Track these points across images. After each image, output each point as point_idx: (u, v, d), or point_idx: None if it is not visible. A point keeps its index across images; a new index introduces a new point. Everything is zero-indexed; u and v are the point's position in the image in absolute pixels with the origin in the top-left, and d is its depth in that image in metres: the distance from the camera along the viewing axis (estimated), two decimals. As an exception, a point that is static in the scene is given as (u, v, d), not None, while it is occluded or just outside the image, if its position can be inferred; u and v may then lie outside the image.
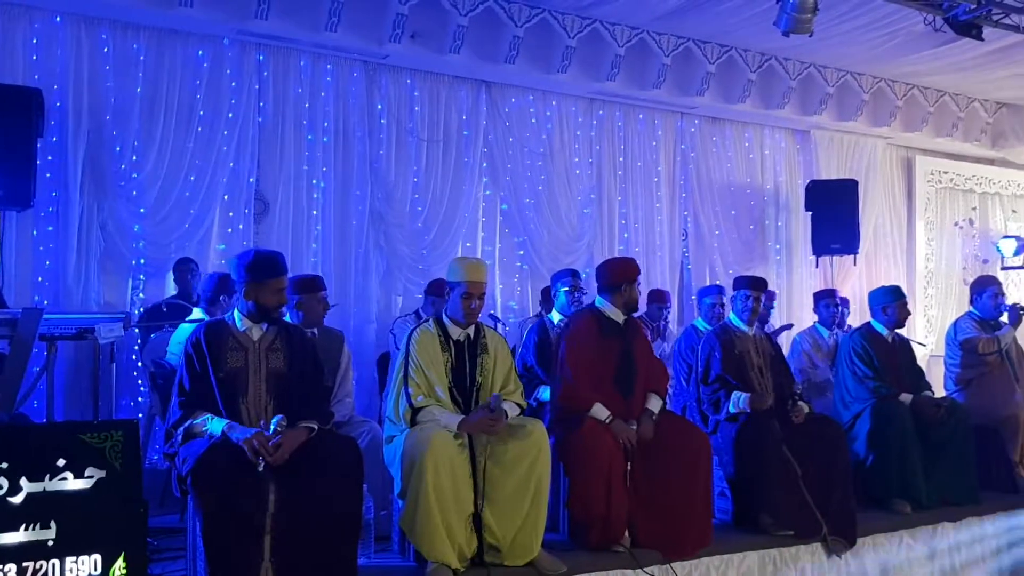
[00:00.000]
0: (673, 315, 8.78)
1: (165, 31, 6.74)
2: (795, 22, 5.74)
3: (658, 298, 7.55)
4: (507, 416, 4.16)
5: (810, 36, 5.95)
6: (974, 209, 11.01)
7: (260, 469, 3.51)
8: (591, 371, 4.70)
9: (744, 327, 5.38)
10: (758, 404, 5.04)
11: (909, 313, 6.18)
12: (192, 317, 5.42)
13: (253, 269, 3.87)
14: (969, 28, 6.41)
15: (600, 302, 4.93)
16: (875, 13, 7.30)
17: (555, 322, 5.59)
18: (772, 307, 7.90)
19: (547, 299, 7.22)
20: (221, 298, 5.42)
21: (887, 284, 6.38)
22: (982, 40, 6.62)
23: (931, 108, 9.76)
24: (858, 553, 5.08)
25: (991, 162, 11.08)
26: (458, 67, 7.70)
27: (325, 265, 7.26)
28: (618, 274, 4.90)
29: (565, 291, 5.67)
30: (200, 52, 6.89)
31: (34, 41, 6.34)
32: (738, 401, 5.07)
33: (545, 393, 5.19)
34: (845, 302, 7.66)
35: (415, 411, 4.12)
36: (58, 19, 6.41)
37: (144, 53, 6.69)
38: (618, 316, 4.86)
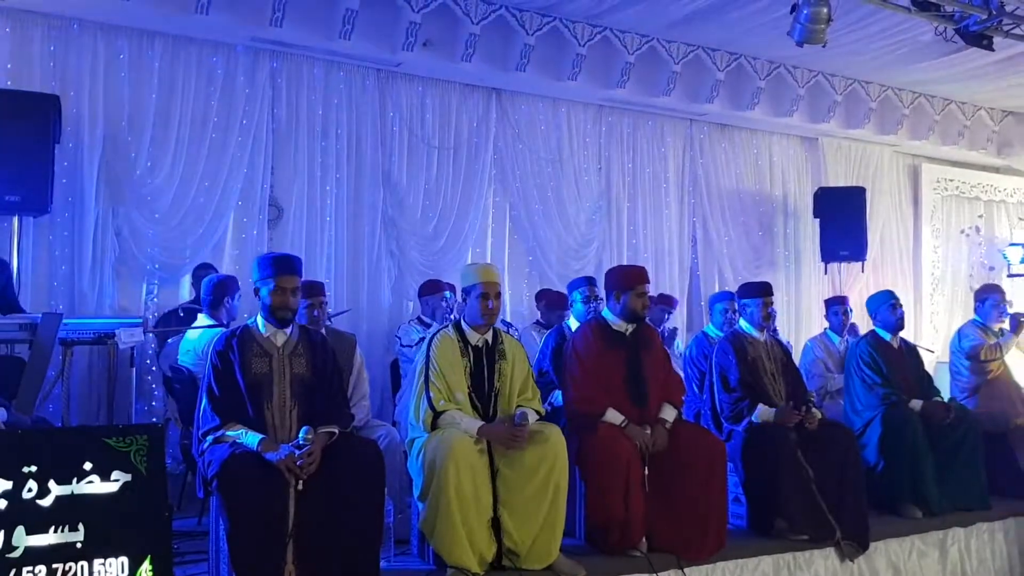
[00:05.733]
0: (683, 321, 8.83)
1: (180, 38, 6.77)
2: (809, 33, 5.77)
3: (662, 301, 7.55)
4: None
5: (824, 47, 5.99)
6: (980, 217, 11.04)
7: (299, 488, 3.56)
8: (598, 379, 4.71)
9: (756, 333, 5.41)
10: (785, 420, 5.05)
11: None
12: (198, 323, 5.46)
13: (260, 266, 3.95)
14: (980, 39, 6.45)
15: (606, 311, 4.96)
16: (884, 23, 7.33)
17: (572, 329, 5.61)
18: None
19: (550, 306, 7.24)
20: (225, 300, 5.45)
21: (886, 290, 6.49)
22: (992, 50, 6.67)
23: (938, 116, 9.79)
24: (870, 558, 5.11)
25: (997, 170, 11.10)
26: (470, 75, 7.74)
27: (338, 270, 7.31)
28: (613, 283, 4.91)
29: (581, 299, 5.70)
30: (214, 59, 6.94)
31: (51, 48, 6.39)
32: (767, 416, 5.09)
33: (560, 398, 5.23)
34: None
35: (436, 415, 4.16)
36: (75, 27, 6.45)
37: (159, 60, 6.73)
38: (621, 326, 4.86)
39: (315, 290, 4.99)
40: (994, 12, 6.22)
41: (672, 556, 4.46)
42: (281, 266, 3.94)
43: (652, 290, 7.75)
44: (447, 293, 6.55)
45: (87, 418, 6.20)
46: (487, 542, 4.09)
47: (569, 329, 5.62)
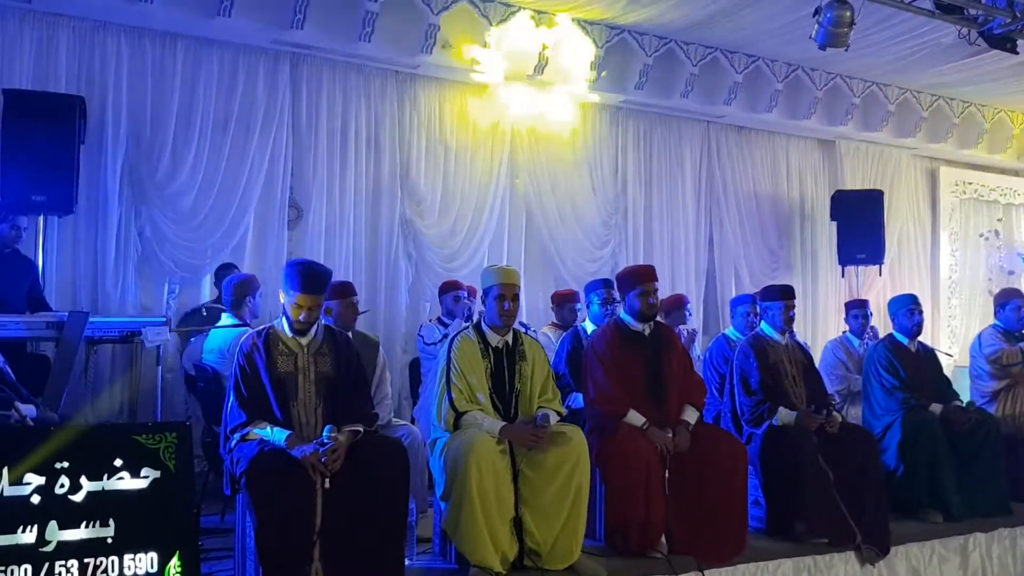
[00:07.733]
0: (699, 324, 8.80)
1: (203, 40, 6.83)
2: (832, 36, 5.78)
3: (673, 304, 7.17)
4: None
5: (846, 50, 5.99)
6: (999, 220, 11.00)
7: (327, 487, 3.59)
8: (618, 379, 4.72)
9: (777, 336, 5.41)
10: (807, 423, 5.04)
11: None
12: (222, 322, 5.49)
13: (288, 275, 3.97)
14: (1004, 42, 6.43)
15: (623, 312, 4.99)
16: (903, 25, 7.34)
17: (588, 332, 5.62)
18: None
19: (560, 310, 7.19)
20: (247, 299, 5.48)
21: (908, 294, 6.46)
22: (1017, 53, 6.64)
23: (956, 119, 9.78)
24: (891, 562, 5.10)
25: (1016, 173, 11.07)
26: (487, 76, 7.75)
27: (356, 272, 7.32)
28: (620, 284, 5.00)
29: (599, 302, 5.70)
30: (236, 61, 6.98)
31: (76, 50, 6.45)
32: (788, 419, 5.08)
33: (577, 400, 5.24)
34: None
35: (458, 415, 4.19)
36: (100, 29, 6.51)
37: (182, 62, 6.78)
38: (638, 326, 4.88)
39: (347, 291, 5.04)
40: (1019, 15, 6.21)
41: (692, 558, 4.46)
42: (306, 284, 3.91)
43: (668, 291, 7.77)
44: (460, 292, 6.57)
45: (108, 416, 6.23)
46: (509, 542, 4.11)
47: (584, 332, 5.63)
